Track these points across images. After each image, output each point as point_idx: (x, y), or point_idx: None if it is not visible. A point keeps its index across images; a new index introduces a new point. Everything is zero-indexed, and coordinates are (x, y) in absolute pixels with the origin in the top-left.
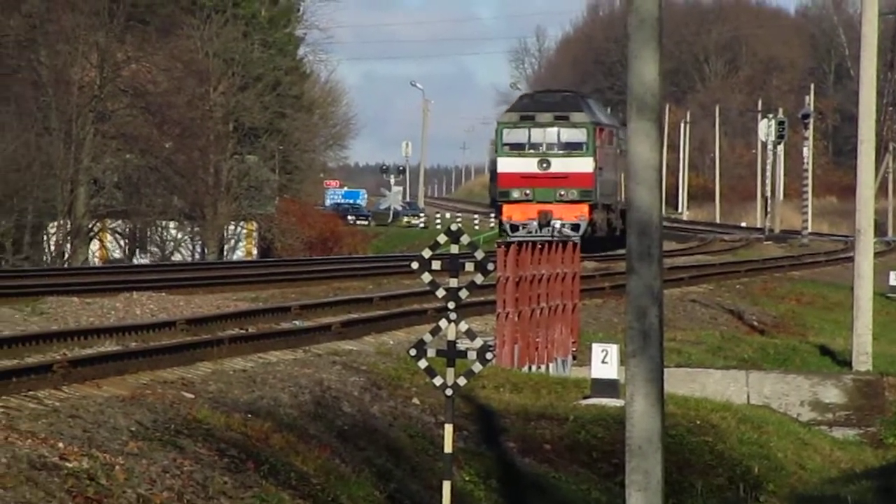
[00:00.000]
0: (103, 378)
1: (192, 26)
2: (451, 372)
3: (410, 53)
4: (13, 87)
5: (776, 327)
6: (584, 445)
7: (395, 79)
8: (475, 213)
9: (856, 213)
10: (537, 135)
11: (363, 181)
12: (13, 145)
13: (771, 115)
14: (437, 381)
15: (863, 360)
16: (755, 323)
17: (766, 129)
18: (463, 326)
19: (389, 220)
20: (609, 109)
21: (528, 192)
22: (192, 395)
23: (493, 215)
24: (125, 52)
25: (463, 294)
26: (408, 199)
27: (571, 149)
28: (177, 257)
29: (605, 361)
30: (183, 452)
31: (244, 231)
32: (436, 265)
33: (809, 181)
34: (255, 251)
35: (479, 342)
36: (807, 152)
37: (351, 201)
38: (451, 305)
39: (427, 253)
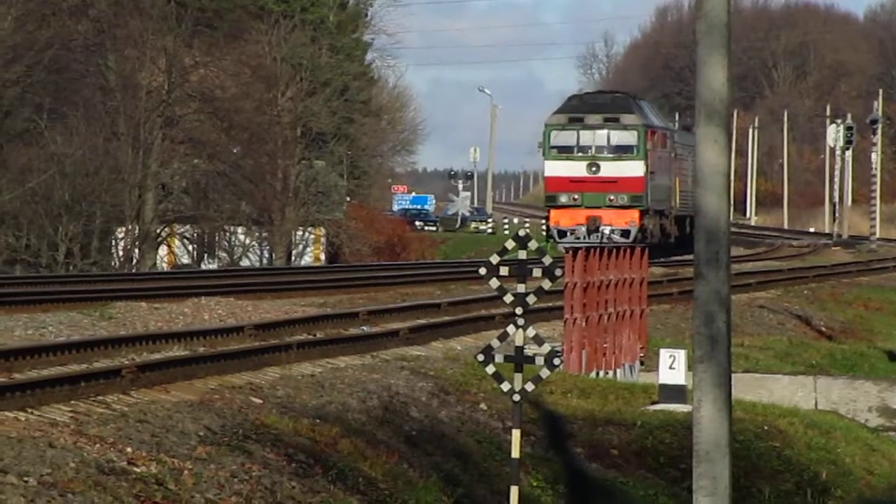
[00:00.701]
0: (171, 383)
1: (260, 31)
2: (518, 377)
3: (478, 59)
4: (81, 91)
5: (844, 333)
6: (651, 451)
7: (462, 84)
8: (543, 218)
9: None
10: (586, 137)
11: (431, 186)
12: (81, 150)
13: (839, 121)
14: (505, 386)
15: None
16: (823, 328)
17: (834, 134)
18: (531, 332)
19: (457, 225)
20: (678, 115)
21: (576, 196)
22: (260, 401)
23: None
24: (193, 57)
25: (531, 300)
26: (475, 205)
27: (622, 152)
28: (245, 262)
29: (672, 367)
30: (251, 457)
31: (312, 236)
32: (504, 271)
33: (877, 186)
34: (322, 257)
35: (546, 348)
36: (875, 157)
37: (419, 207)
38: (518, 311)
39: (495, 258)
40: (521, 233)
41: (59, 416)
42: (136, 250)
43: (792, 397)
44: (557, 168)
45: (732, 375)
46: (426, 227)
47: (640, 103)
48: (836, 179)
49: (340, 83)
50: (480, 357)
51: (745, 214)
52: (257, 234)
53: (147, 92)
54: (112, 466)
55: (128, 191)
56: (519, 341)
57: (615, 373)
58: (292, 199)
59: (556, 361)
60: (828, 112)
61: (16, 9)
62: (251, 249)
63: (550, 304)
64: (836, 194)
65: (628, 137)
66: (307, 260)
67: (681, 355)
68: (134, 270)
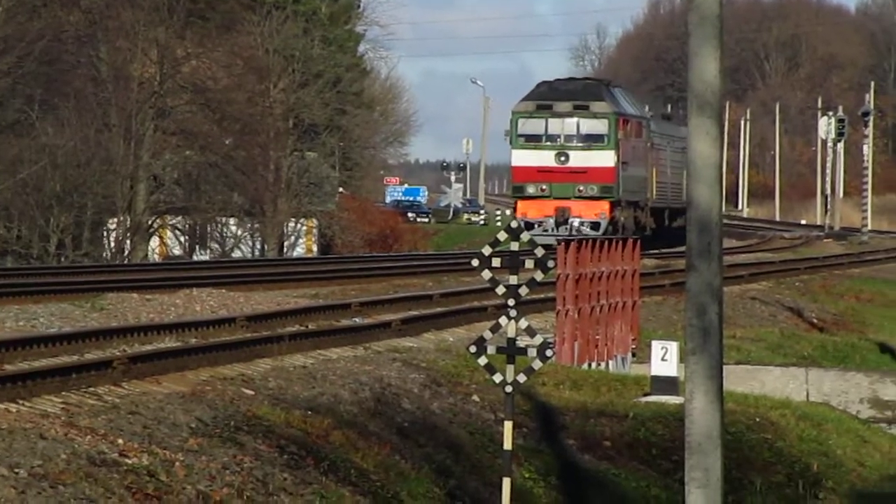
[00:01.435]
0: (163, 374)
1: (253, 22)
2: (510, 369)
3: (471, 50)
4: (73, 82)
5: (836, 325)
6: (643, 442)
7: (455, 76)
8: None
9: None
10: (555, 125)
11: (423, 178)
12: (73, 141)
13: (831, 113)
14: (497, 378)
15: None
16: (815, 320)
17: (825, 126)
18: (523, 323)
19: (449, 217)
20: (670, 106)
21: (544, 187)
22: (251, 392)
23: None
24: (185, 49)
25: (523, 291)
26: (468, 196)
27: (592, 141)
28: (237, 254)
29: (664, 359)
30: (243, 449)
31: (304, 228)
32: (496, 262)
33: (869, 178)
34: (315, 248)
35: (538, 339)
36: (866, 150)
37: (411, 198)
38: (511, 302)
39: (487, 250)
40: (514, 224)
41: (51, 407)
42: (128, 241)
43: (784, 389)
44: (525, 157)
45: (724, 367)
46: (418, 219)
47: (613, 90)
48: (828, 171)
49: (333, 74)
50: (472, 348)
51: (737, 206)
52: (249, 225)
53: (139, 83)
54: (103, 458)
55: (119, 182)
56: (511, 333)
57: (607, 364)
58: (284, 190)
59: (549, 353)
60: (819, 104)
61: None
62: (243, 241)
63: (543, 296)
64: (828, 186)
65: (598, 126)
66: (299, 251)
67: (673, 347)
68: (125, 262)
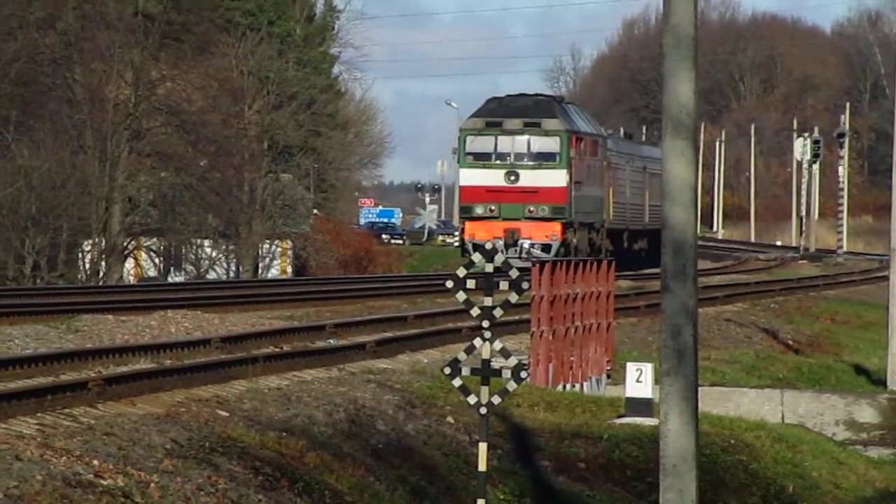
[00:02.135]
0: (138, 396)
1: (227, 44)
2: (485, 390)
3: (445, 72)
4: (48, 104)
5: (811, 346)
6: (618, 464)
7: (429, 97)
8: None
9: (891, 231)
10: (504, 143)
11: (398, 200)
12: (48, 163)
13: (806, 134)
14: (472, 399)
15: None
16: (790, 342)
17: (801, 147)
18: (497, 345)
19: (424, 238)
20: (645, 128)
21: (493, 207)
22: (226, 413)
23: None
24: (160, 71)
25: (497, 313)
26: (443, 218)
27: (543, 160)
28: (212, 275)
29: (639, 380)
30: (217, 470)
31: (279, 249)
32: (470, 284)
33: (845, 200)
34: (289, 269)
35: (513, 361)
36: (842, 171)
37: (385, 220)
38: (485, 324)
39: (462, 272)
40: (488, 246)
41: (26, 428)
42: (103, 263)
43: (759, 411)
44: (473, 176)
45: (699, 389)
46: (393, 241)
47: (567, 107)
48: (804, 193)
49: (307, 96)
50: (447, 370)
51: (712, 228)
52: (224, 246)
53: (114, 105)
54: (79, 479)
55: (94, 203)
56: (486, 354)
57: (582, 386)
58: (259, 212)
59: (523, 374)
60: (795, 125)
61: None
62: (218, 262)
63: (517, 317)
64: (804, 208)
65: (550, 144)
66: (274, 273)
67: (648, 368)
68: (101, 283)
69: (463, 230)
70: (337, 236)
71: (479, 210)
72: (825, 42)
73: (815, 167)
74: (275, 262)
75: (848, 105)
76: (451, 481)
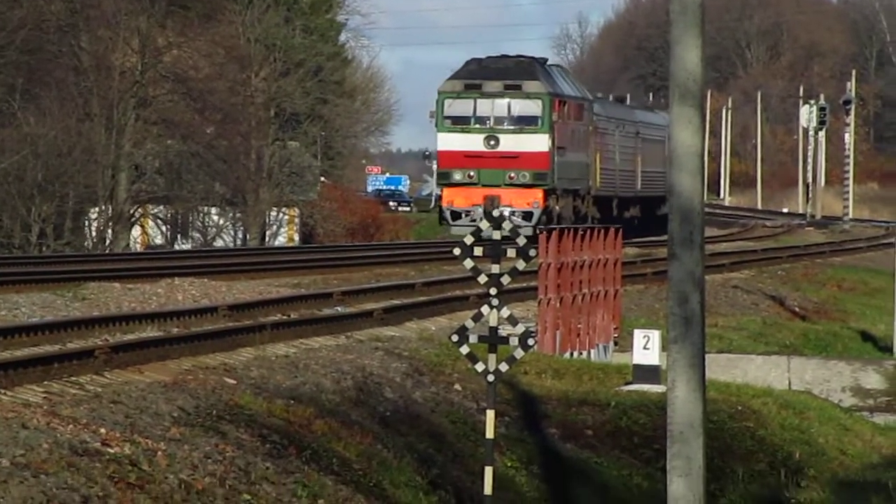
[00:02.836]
0: (145, 364)
1: (234, 12)
2: (492, 358)
3: (451, 40)
4: (54, 72)
5: (817, 313)
6: (625, 431)
7: (436, 65)
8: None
9: None
10: (484, 107)
11: (405, 167)
12: (54, 131)
13: (812, 102)
14: (479, 366)
15: None
16: (796, 309)
17: (807, 115)
18: (505, 312)
19: (431, 206)
20: (652, 95)
21: (472, 173)
22: (234, 381)
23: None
24: (166, 38)
25: (505, 280)
26: None
27: (524, 123)
28: (219, 243)
29: (646, 347)
30: (225, 438)
31: (286, 217)
32: (478, 251)
33: (851, 167)
34: (296, 237)
35: (520, 328)
36: (848, 138)
37: (393, 187)
38: (493, 291)
39: (469, 239)
40: (495, 213)
41: (32, 396)
42: (110, 231)
43: (766, 377)
44: (451, 141)
45: (706, 356)
46: (400, 208)
47: (550, 69)
48: (810, 160)
49: (314, 64)
50: (455, 337)
51: (718, 195)
52: (231, 214)
53: (120, 73)
54: (85, 447)
55: (101, 171)
56: (493, 322)
57: (589, 353)
58: (266, 179)
59: (531, 342)
60: (801, 93)
61: None
62: (225, 230)
63: (524, 285)
64: (810, 175)
65: (531, 107)
66: (281, 240)
67: (655, 336)
68: (107, 251)
69: (441, 197)
70: (344, 204)
71: (457, 176)
72: (831, 9)
73: (822, 134)
74: (282, 229)
75: (854, 72)
76: (458, 449)
